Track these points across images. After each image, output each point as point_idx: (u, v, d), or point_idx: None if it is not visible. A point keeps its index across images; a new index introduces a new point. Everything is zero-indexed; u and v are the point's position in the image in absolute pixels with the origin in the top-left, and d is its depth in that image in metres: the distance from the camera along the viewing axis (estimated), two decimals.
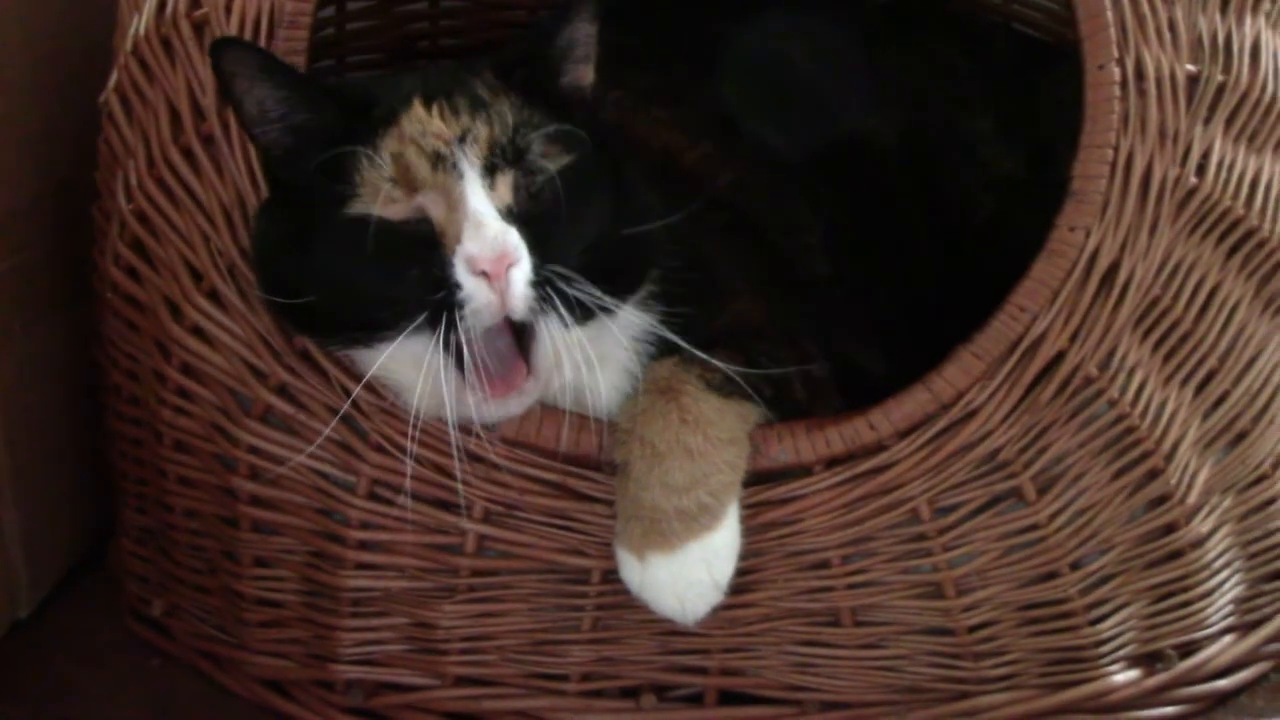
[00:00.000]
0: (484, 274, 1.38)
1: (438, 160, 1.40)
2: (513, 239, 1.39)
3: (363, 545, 1.60)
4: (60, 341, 1.86)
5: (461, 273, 1.39)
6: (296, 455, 1.59)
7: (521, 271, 1.39)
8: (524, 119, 1.43)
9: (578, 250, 1.43)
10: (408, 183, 1.40)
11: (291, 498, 1.61)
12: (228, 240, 1.56)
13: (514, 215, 1.41)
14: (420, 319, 1.40)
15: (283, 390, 1.57)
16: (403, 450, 1.54)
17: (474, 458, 1.55)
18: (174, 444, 1.67)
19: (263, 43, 1.55)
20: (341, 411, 1.53)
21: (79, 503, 1.93)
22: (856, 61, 1.87)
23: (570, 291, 1.41)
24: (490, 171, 1.40)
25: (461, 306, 1.39)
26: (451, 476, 1.55)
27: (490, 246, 1.38)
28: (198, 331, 1.60)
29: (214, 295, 1.59)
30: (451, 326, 1.39)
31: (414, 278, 1.40)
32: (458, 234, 1.39)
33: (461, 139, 1.40)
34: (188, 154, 1.59)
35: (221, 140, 1.56)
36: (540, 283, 1.40)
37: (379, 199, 1.40)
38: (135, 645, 1.81)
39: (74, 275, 1.82)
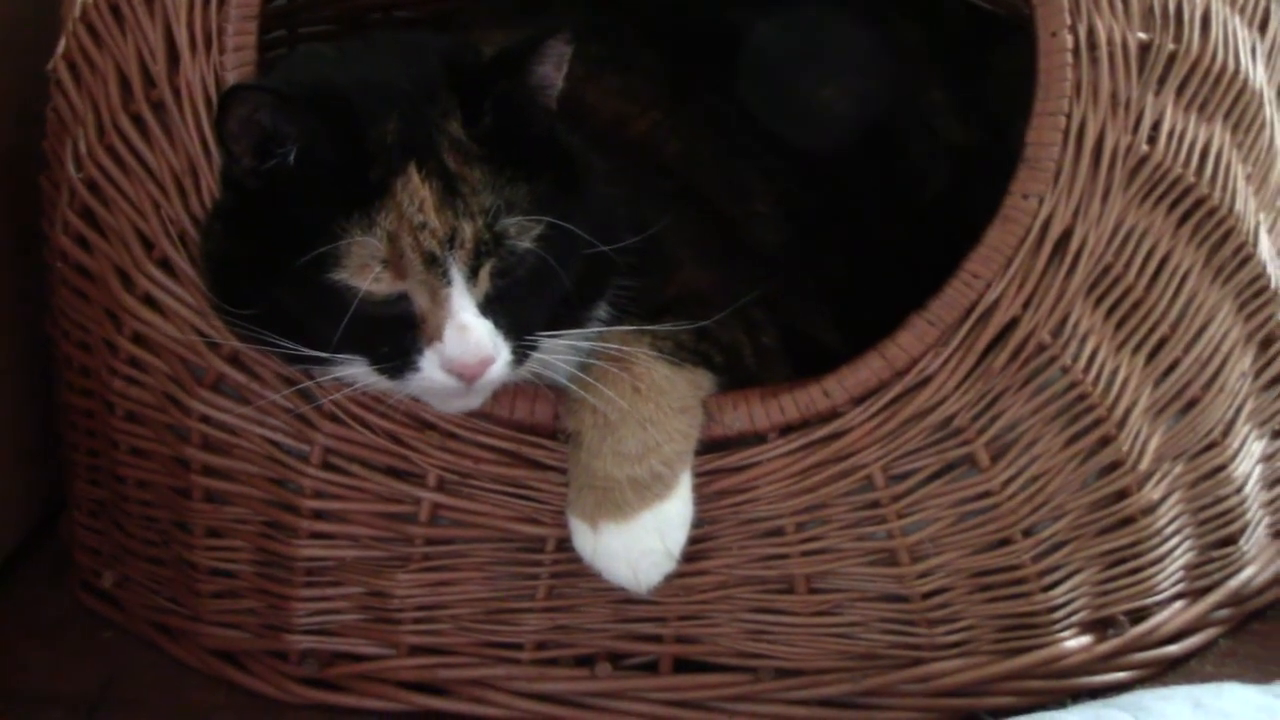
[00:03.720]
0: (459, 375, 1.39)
1: (431, 261, 1.38)
2: (491, 343, 1.39)
3: (317, 514, 1.60)
4: (7, 314, 1.85)
5: (431, 365, 1.39)
6: (249, 425, 1.58)
7: (499, 365, 1.40)
8: (500, 200, 1.40)
9: (549, 311, 1.45)
10: (398, 270, 1.38)
11: (244, 467, 1.60)
12: (179, 208, 1.55)
13: (490, 301, 1.40)
14: (379, 369, 1.42)
15: (235, 359, 1.56)
16: (356, 419, 1.54)
17: (428, 426, 1.55)
18: (125, 414, 1.66)
19: (214, 9, 1.53)
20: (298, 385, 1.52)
21: (28, 476, 1.92)
22: (810, 32, 1.86)
23: (539, 345, 1.44)
24: (474, 272, 1.39)
25: (422, 381, 1.41)
26: (405, 444, 1.55)
27: (472, 353, 1.39)
28: (149, 300, 1.59)
29: (165, 264, 1.57)
30: (405, 379, 1.41)
31: (384, 352, 1.41)
32: (439, 330, 1.39)
33: (450, 240, 1.38)
34: (138, 121, 1.58)
35: (172, 107, 1.55)
36: (513, 359, 1.42)
37: (366, 277, 1.38)
38: (86, 618, 1.80)
39: (21, 246, 1.80)
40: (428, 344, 1.39)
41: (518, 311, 1.41)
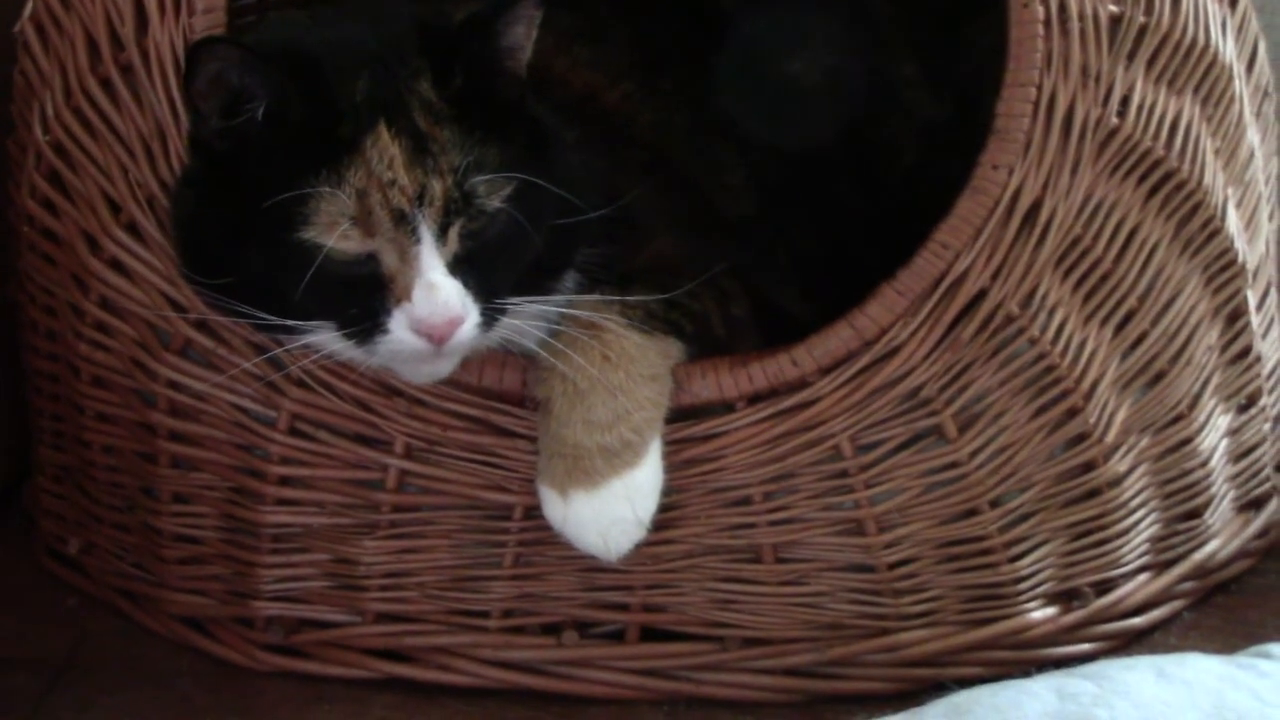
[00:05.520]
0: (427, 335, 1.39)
1: (400, 218, 1.38)
2: (460, 303, 1.38)
3: (283, 481, 1.59)
4: None
5: (400, 326, 1.39)
6: (216, 391, 1.58)
7: (468, 327, 1.40)
8: (469, 159, 1.40)
9: (518, 274, 1.44)
10: (367, 228, 1.38)
11: (211, 433, 1.60)
12: (147, 172, 1.55)
13: (460, 261, 1.40)
14: (347, 334, 1.41)
15: (203, 324, 1.56)
16: (324, 385, 1.54)
17: (395, 392, 1.54)
18: (92, 379, 1.65)
19: None
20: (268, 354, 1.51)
21: None
22: (781, 5, 1.86)
23: (508, 309, 1.43)
24: (444, 230, 1.39)
25: (391, 344, 1.40)
26: (373, 411, 1.54)
27: (440, 313, 1.38)
28: (116, 265, 1.59)
29: (133, 228, 1.57)
30: (375, 343, 1.41)
31: (352, 314, 1.40)
32: (407, 289, 1.38)
33: (420, 197, 1.38)
34: (106, 84, 1.57)
35: (140, 70, 1.54)
36: (482, 321, 1.41)
37: (334, 234, 1.37)
38: (51, 584, 1.79)
39: None
40: (396, 304, 1.38)
41: (487, 273, 1.41)
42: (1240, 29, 1.70)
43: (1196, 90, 1.63)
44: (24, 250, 1.69)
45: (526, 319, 1.48)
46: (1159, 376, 1.64)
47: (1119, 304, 1.60)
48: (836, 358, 1.54)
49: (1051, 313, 1.56)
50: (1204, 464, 1.71)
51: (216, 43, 1.40)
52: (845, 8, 1.91)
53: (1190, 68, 1.62)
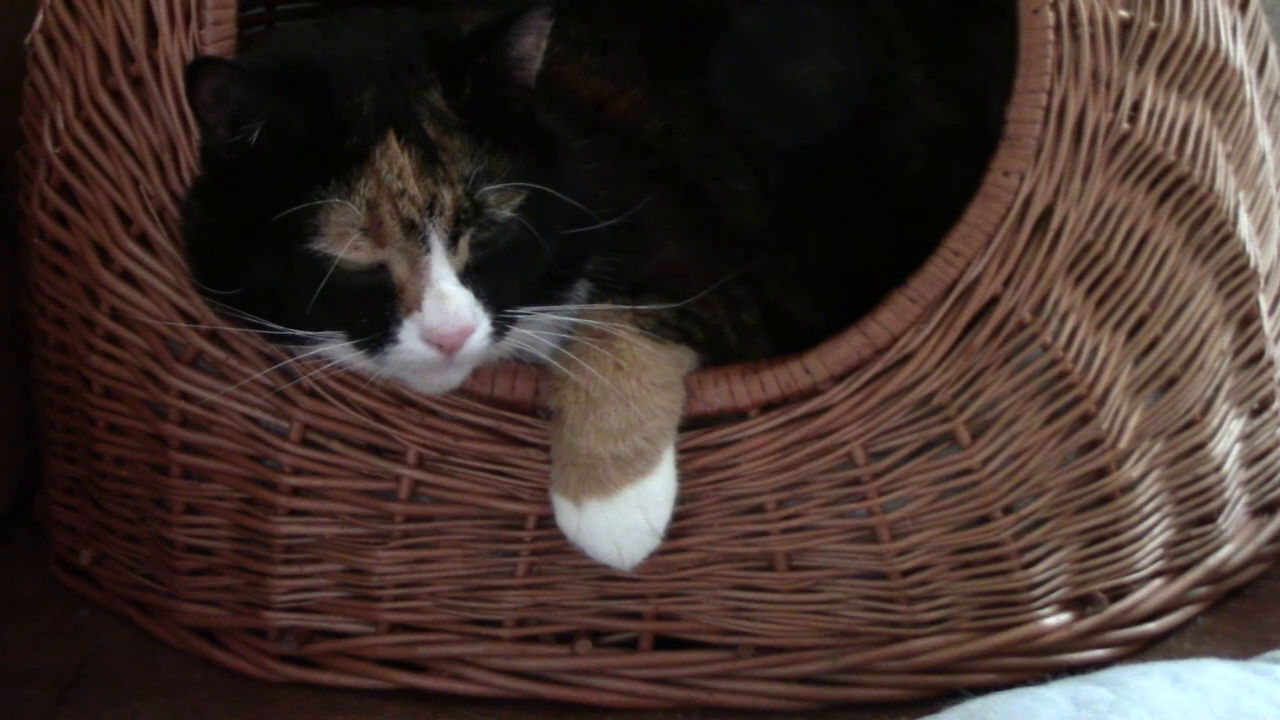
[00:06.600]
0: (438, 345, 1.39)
1: (410, 228, 1.38)
2: (470, 312, 1.38)
3: (295, 491, 1.59)
4: None
5: (411, 336, 1.39)
6: (228, 401, 1.58)
7: (478, 336, 1.40)
8: (480, 168, 1.40)
9: (528, 283, 1.44)
10: (377, 238, 1.38)
11: (223, 444, 1.60)
12: (158, 183, 1.55)
13: (470, 271, 1.40)
14: (357, 344, 1.41)
15: (214, 335, 1.56)
16: (336, 395, 1.54)
17: (407, 402, 1.54)
18: (103, 390, 1.65)
19: None
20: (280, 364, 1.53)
21: (4, 453, 1.91)
22: (788, 11, 1.86)
23: (518, 319, 1.43)
24: (454, 240, 1.39)
25: (402, 354, 1.40)
26: (385, 421, 1.54)
27: (451, 322, 1.38)
28: (127, 276, 1.59)
29: (143, 239, 1.57)
30: (385, 353, 1.40)
31: (363, 324, 1.40)
32: (418, 299, 1.38)
33: (430, 207, 1.38)
34: (116, 96, 1.57)
35: (151, 82, 1.54)
36: (493, 331, 1.41)
37: (345, 244, 1.37)
38: (63, 595, 1.80)
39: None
40: (406, 314, 1.38)
41: (498, 283, 1.41)
42: (1251, 33, 1.70)
43: (1207, 95, 1.62)
44: (34, 262, 1.70)
45: (538, 328, 1.48)
46: (1171, 382, 1.64)
47: (1131, 309, 1.59)
48: (849, 365, 1.54)
49: (1064, 319, 1.56)
50: (1217, 469, 1.71)
51: (213, 64, 1.40)
52: (852, 13, 1.91)
53: (1201, 72, 1.61)
